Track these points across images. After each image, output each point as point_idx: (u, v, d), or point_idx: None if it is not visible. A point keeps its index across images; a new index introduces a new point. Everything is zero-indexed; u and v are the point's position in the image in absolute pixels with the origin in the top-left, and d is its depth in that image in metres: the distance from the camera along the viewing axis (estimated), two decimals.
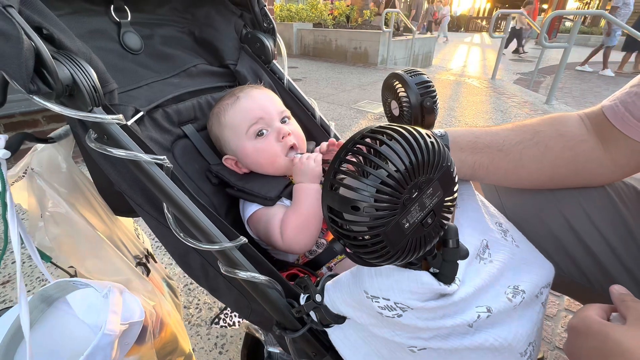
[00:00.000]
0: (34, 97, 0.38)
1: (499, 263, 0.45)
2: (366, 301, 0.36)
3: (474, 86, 4.66)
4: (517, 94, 4.17)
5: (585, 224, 0.60)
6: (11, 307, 0.58)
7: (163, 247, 1.44)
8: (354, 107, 3.52)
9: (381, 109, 3.45)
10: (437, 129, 0.58)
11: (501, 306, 0.40)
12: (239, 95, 0.65)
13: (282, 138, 0.63)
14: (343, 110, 3.42)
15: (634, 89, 0.51)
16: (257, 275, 0.44)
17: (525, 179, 0.59)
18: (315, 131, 0.81)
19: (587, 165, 0.55)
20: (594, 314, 0.41)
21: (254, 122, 0.63)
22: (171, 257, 1.45)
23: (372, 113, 3.34)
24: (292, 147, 0.65)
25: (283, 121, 0.67)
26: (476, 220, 0.50)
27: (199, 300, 1.19)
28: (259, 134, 0.63)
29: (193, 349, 0.99)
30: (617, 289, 0.44)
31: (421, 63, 7.06)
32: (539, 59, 4.71)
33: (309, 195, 0.59)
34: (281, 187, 0.63)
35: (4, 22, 0.34)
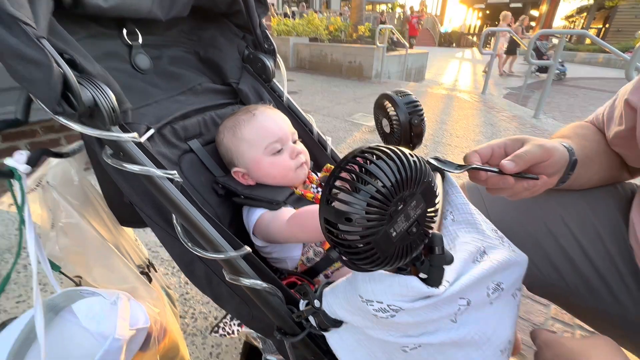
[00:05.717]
0: (59, 117, 0.42)
1: (495, 262, 0.47)
2: (361, 305, 0.40)
3: (465, 100, 4.80)
4: (507, 109, 4.31)
5: (560, 226, 0.67)
6: (15, 317, 0.59)
7: (159, 258, 1.45)
8: (348, 119, 3.60)
9: None
10: (565, 142, 0.60)
11: (479, 299, 0.44)
12: (255, 113, 0.71)
13: (295, 156, 0.71)
14: (338, 122, 3.49)
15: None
16: (259, 282, 0.47)
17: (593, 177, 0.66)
18: (312, 147, 0.85)
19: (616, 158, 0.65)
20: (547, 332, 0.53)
21: (273, 140, 0.69)
22: (167, 268, 1.45)
23: (366, 125, 3.41)
24: (302, 164, 0.72)
25: (294, 141, 0.74)
26: (473, 228, 0.53)
27: (195, 309, 1.20)
28: (278, 151, 0.70)
29: None
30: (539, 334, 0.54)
31: (414, 77, 7.23)
32: (527, 75, 4.88)
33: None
34: (286, 195, 0.69)
35: (37, 52, 0.38)
